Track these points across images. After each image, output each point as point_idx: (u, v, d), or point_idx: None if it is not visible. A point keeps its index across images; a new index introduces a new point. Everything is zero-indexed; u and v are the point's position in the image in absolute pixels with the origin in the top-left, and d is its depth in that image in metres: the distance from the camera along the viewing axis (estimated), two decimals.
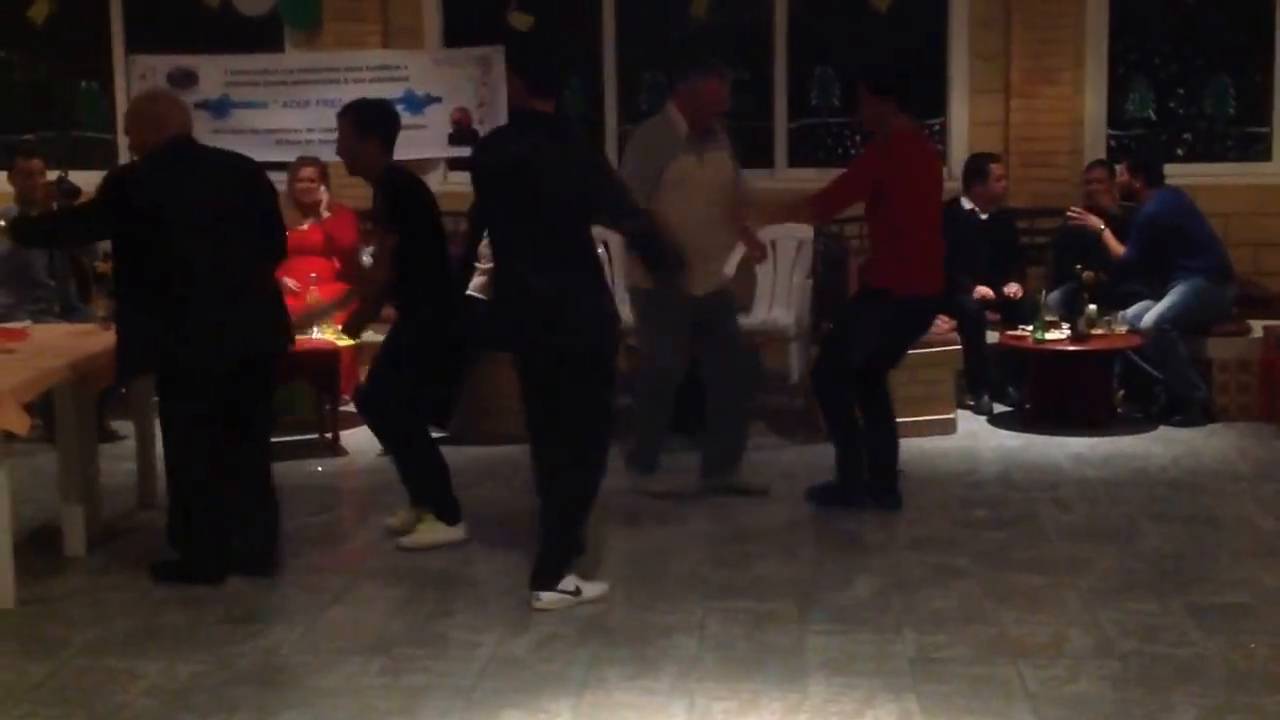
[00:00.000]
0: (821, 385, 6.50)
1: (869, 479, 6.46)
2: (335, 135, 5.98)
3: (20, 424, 5.09)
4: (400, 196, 5.83)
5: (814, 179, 9.10)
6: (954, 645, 4.79)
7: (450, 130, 9.32)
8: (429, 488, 5.95)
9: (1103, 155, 9.09)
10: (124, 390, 6.59)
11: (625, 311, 8.14)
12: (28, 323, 6.63)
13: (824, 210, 6.47)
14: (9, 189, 7.98)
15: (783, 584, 5.46)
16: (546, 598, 5.19)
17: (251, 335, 5.45)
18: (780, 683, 4.51)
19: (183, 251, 5.23)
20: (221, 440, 5.44)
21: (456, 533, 5.93)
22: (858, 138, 9.47)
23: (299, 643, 4.89)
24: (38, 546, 5.92)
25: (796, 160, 9.39)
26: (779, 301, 8.76)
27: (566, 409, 5.24)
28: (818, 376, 6.56)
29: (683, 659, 4.71)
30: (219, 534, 5.49)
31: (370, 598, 5.41)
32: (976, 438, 7.84)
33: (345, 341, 7.75)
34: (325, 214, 8.61)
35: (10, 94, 10.27)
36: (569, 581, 5.24)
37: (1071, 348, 7.89)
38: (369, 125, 5.83)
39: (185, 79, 9.43)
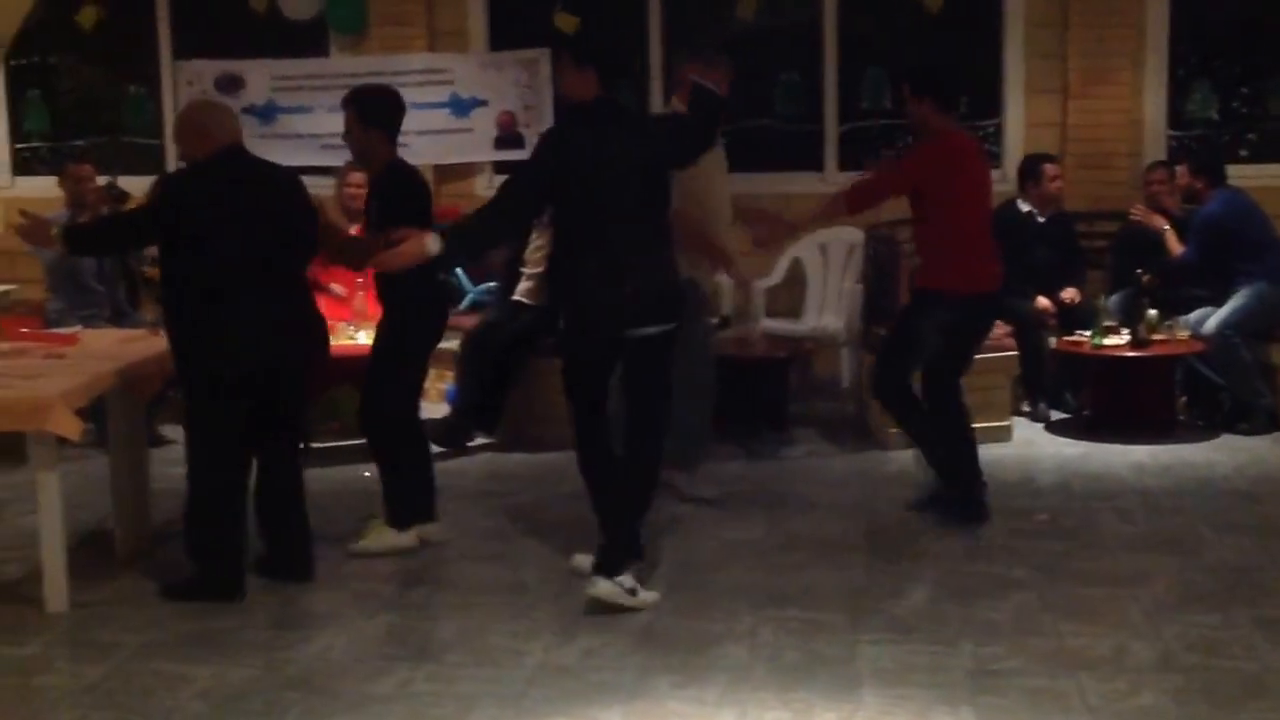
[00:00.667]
0: (887, 400, 6.39)
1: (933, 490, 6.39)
2: None
3: (72, 429, 5.08)
4: (397, 193, 5.77)
5: None
6: (1012, 657, 4.70)
7: (496, 134, 9.27)
8: (408, 492, 5.92)
9: (1163, 156, 8.92)
10: (173, 395, 6.57)
11: None
12: (78, 327, 6.61)
13: (856, 203, 6.34)
14: (60, 194, 7.97)
15: (834, 593, 5.37)
16: (603, 585, 5.16)
17: (291, 342, 5.43)
18: (833, 693, 4.44)
19: (228, 259, 5.20)
20: (254, 447, 5.43)
21: (408, 539, 5.89)
22: (910, 140, 9.34)
23: (348, 649, 4.85)
24: (90, 551, 5.91)
25: (847, 164, 9.28)
26: (829, 307, 8.68)
27: (658, 389, 5.36)
28: (881, 392, 6.42)
29: (733, 668, 4.64)
30: (242, 548, 5.45)
31: (418, 604, 5.38)
32: (1033, 445, 7.71)
33: None
34: None
35: (60, 99, 10.30)
36: (626, 579, 5.20)
37: (1132, 353, 7.75)
38: (372, 116, 5.79)
39: (231, 84, 9.44)
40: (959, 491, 6.25)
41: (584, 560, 5.45)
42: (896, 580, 5.50)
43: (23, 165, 9.95)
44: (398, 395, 5.91)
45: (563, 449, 7.11)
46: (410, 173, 5.95)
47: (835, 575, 5.57)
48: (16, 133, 9.90)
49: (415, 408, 6.07)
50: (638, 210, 5.24)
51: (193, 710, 4.35)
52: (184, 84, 9.48)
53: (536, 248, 8.03)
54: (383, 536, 5.87)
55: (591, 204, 5.18)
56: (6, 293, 8.36)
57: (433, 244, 5.16)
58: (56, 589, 5.22)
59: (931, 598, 5.30)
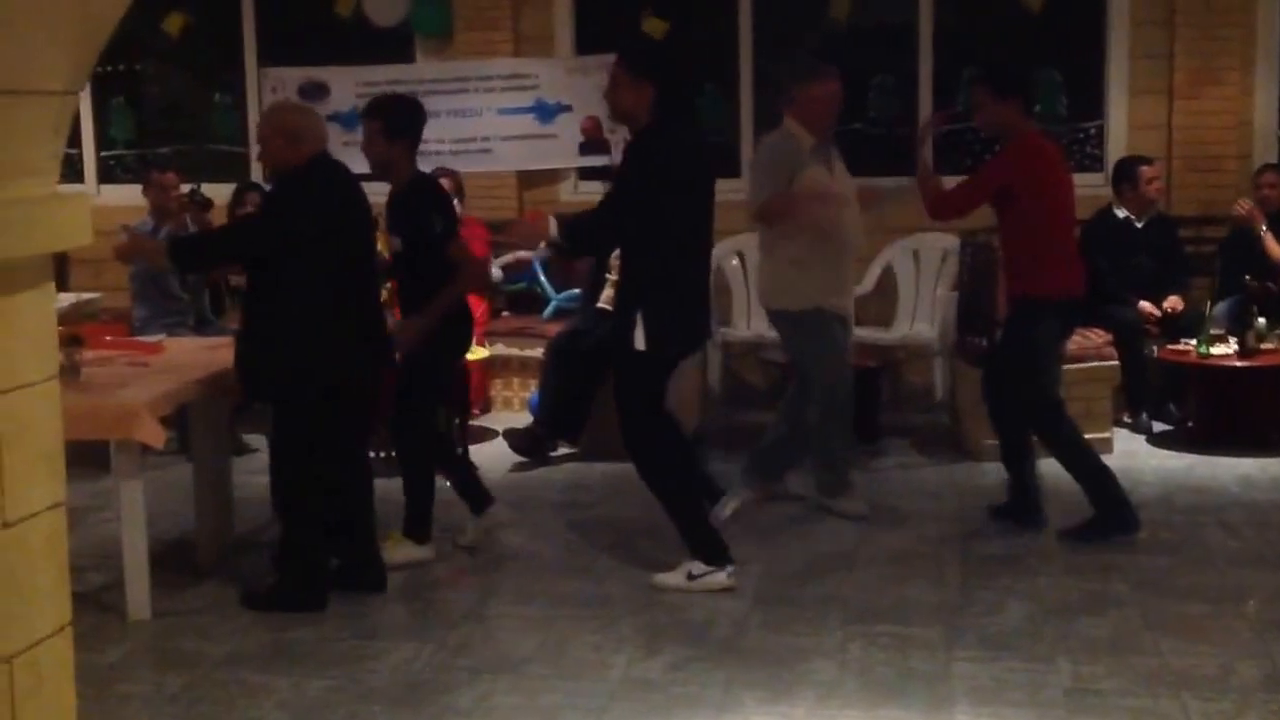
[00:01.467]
0: (1039, 427, 6.13)
1: (1011, 498, 6.24)
2: (467, 146, 5.88)
3: (155, 438, 5.05)
4: (425, 205, 5.69)
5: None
6: (1112, 676, 4.53)
7: (580, 140, 9.18)
8: (425, 505, 5.80)
9: (1274, 159, 8.62)
10: (255, 404, 6.54)
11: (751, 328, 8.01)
12: (162, 336, 6.59)
13: (942, 212, 6.24)
14: (144, 202, 7.99)
15: (928, 608, 5.22)
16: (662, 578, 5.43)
17: (374, 351, 5.39)
18: (924, 711, 4.31)
19: (332, 267, 5.16)
20: (335, 459, 5.37)
21: (426, 552, 5.78)
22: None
23: (430, 661, 4.77)
24: (172, 559, 5.89)
25: (941, 167, 9.07)
26: (921, 315, 8.50)
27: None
28: (1033, 423, 6.15)
29: (821, 684, 4.52)
30: (325, 558, 5.41)
31: (499, 616, 5.29)
32: (1135, 458, 7.44)
33: (476, 355, 7.69)
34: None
35: (145, 107, 10.36)
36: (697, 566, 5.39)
37: (1239, 363, 7.48)
38: (398, 127, 5.65)
39: (316, 91, 9.44)
40: (1108, 505, 6.01)
41: (665, 578, 5.46)
42: (992, 595, 5.33)
43: (107, 173, 10.01)
44: (428, 406, 5.87)
45: None
46: (435, 185, 5.92)
47: (928, 589, 5.43)
48: (102, 140, 9.95)
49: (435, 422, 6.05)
50: (709, 228, 5.51)
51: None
52: (269, 91, 9.47)
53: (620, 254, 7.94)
54: (401, 548, 5.74)
55: (689, 219, 5.34)
56: (91, 301, 8.40)
57: (553, 226, 5.40)
58: (139, 597, 5.20)
59: (1028, 614, 5.13)
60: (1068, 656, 4.69)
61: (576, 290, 8.34)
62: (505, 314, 9.02)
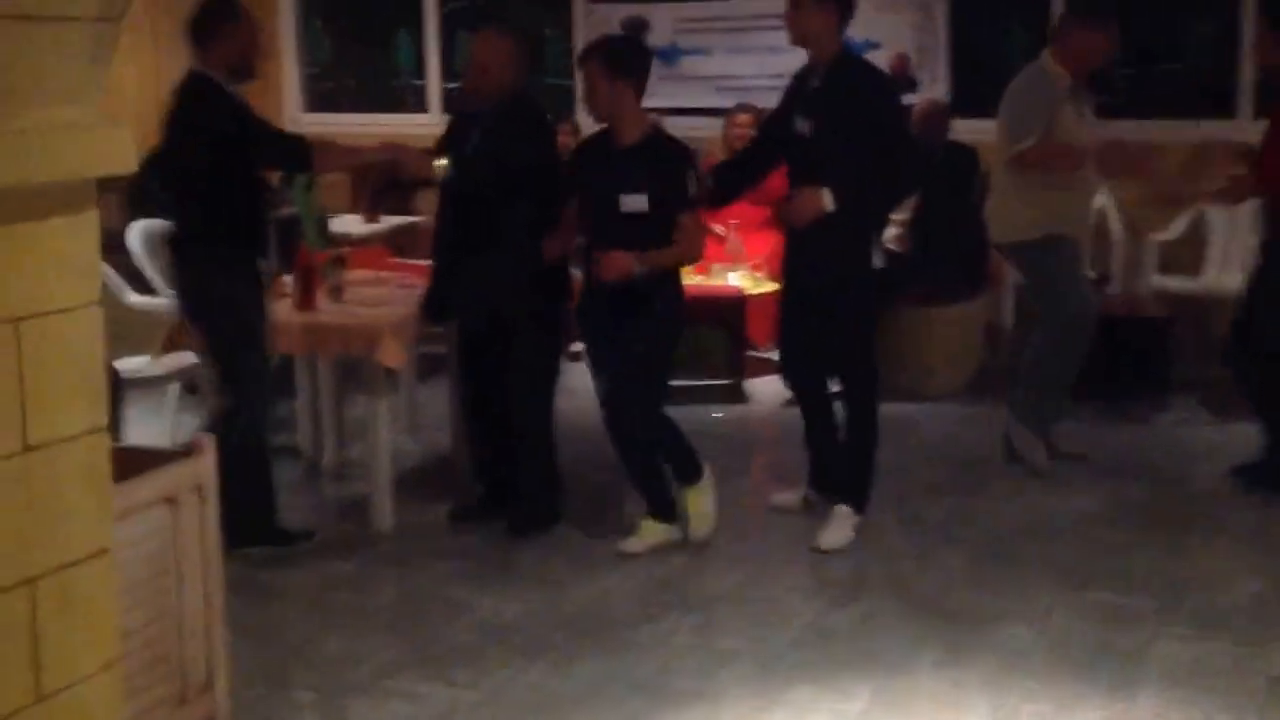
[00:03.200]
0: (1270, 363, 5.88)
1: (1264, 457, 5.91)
2: (775, 83, 5.75)
3: (395, 358, 5.36)
4: (669, 163, 5.23)
5: None
6: None
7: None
8: (658, 487, 5.45)
9: None
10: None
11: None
12: None
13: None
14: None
15: (1151, 577, 5.00)
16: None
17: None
18: (1106, 689, 4.15)
19: (542, 201, 5.34)
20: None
21: (675, 532, 5.39)
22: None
23: (629, 592, 4.92)
24: (438, 470, 6.27)
25: (1262, 111, 8.47)
26: (1232, 264, 7.99)
27: None
28: (1259, 356, 5.89)
29: (1008, 651, 4.41)
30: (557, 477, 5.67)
31: (714, 553, 5.33)
32: None
33: (756, 289, 7.73)
34: None
35: None
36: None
37: None
38: (622, 67, 5.15)
39: (638, 26, 9.60)
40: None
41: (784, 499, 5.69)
42: (1227, 569, 5.07)
43: (451, 103, 10.47)
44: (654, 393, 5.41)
45: (915, 400, 7.01)
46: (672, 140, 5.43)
47: (1159, 557, 5.19)
48: (448, 73, 10.40)
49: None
50: None
51: (459, 640, 4.54)
52: (593, 27, 9.70)
53: None
54: (655, 533, 5.38)
55: None
56: (414, 224, 8.87)
57: (828, 199, 5.14)
58: (382, 510, 5.54)
59: (1258, 592, 4.84)
60: None
61: None
62: None
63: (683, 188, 5.19)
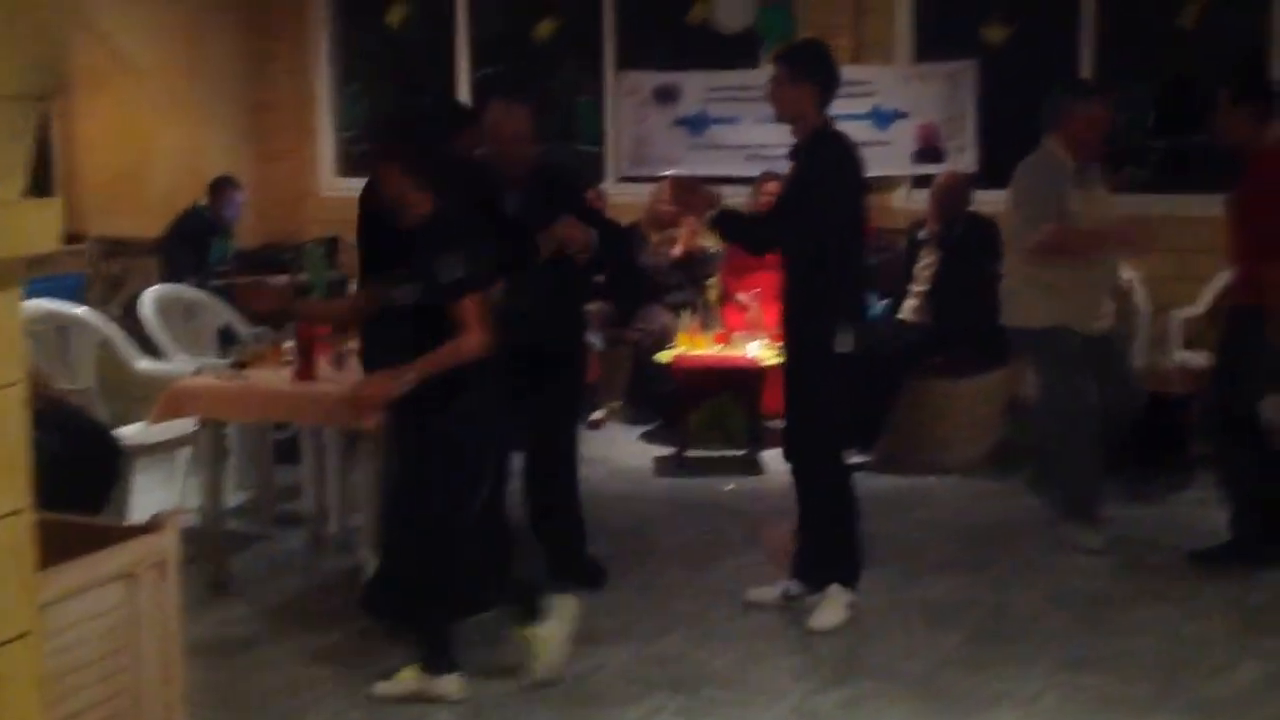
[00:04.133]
0: (1227, 433, 5.93)
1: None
2: None
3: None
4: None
5: None
6: None
7: (915, 147, 9.01)
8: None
9: None
10: None
11: None
12: None
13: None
14: None
15: (1151, 661, 4.90)
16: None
17: None
18: None
19: None
20: None
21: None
22: None
23: (619, 668, 4.88)
24: None
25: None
26: None
27: None
28: (1221, 426, 5.96)
29: None
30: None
31: (709, 630, 5.26)
32: None
33: (778, 358, 7.70)
34: None
35: None
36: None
37: None
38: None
39: (668, 94, 9.65)
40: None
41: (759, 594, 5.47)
42: (1227, 653, 4.95)
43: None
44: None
45: (933, 474, 6.93)
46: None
47: (1162, 641, 5.09)
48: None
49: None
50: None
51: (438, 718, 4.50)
52: (625, 95, 9.77)
53: (925, 265, 7.79)
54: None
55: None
56: None
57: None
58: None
59: (1260, 678, 4.74)
60: None
61: (879, 300, 8.21)
62: None
63: None
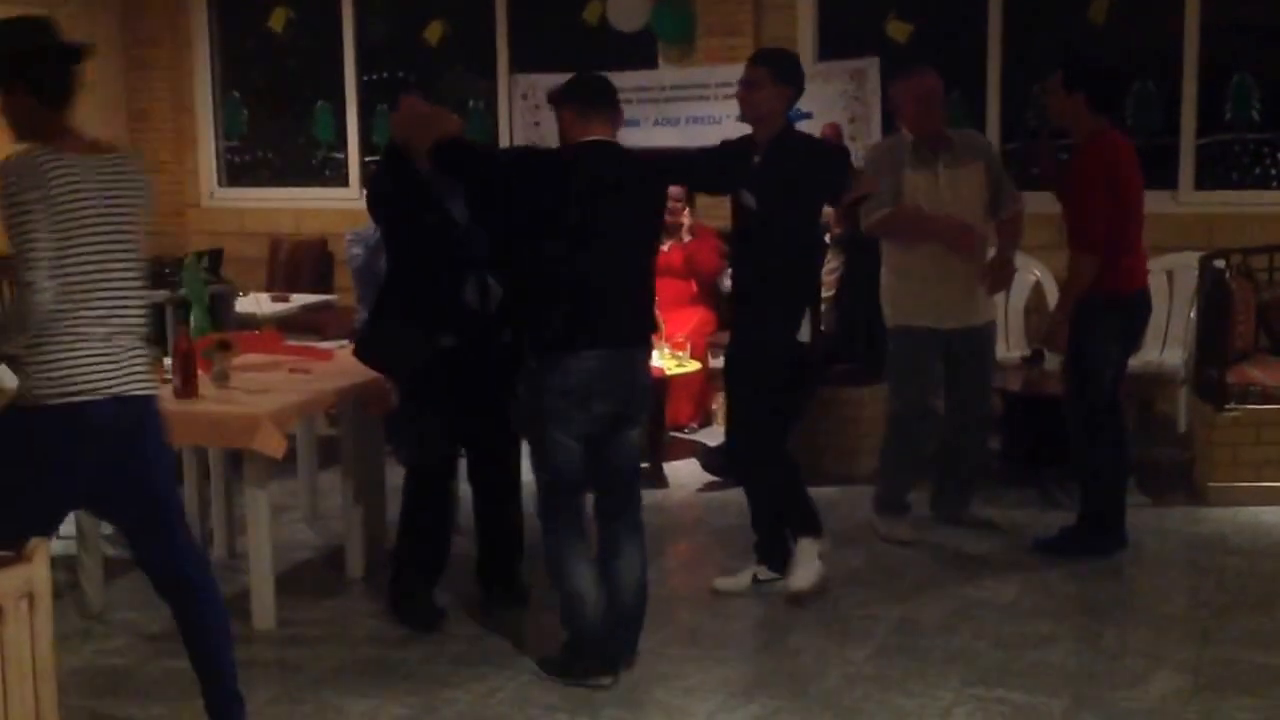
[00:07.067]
0: (1081, 419, 5.95)
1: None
2: None
3: (275, 448, 5.09)
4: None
5: (1223, 203, 8.17)
6: None
7: None
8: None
9: None
10: None
11: None
12: (343, 343, 6.63)
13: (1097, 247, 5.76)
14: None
15: (1062, 673, 4.76)
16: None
17: None
18: None
19: None
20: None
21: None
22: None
23: (513, 693, 4.65)
24: (325, 566, 5.98)
25: (1204, 181, 8.35)
26: (1171, 341, 7.82)
27: None
28: (1076, 412, 5.98)
29: None
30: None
31: None
32: None
33: (678, 369, 7.52)
34: (687, 237, 8.46)
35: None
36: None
37: None
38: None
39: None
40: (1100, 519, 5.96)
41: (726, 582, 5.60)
42: (1141, 664, 4.81)
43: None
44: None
45: (839, 484, 6.77)
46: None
47: (1073, 652, 4.95)
48: (366, 146, 10.23)
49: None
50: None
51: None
52: (519, 97, 9.53)
53: (831, 269, 7.62)
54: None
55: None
56: (326, 302, 8.63)
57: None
58: (263, 606, 5.27)
59: (1174, 689, 4.60)
60: None
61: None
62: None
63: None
